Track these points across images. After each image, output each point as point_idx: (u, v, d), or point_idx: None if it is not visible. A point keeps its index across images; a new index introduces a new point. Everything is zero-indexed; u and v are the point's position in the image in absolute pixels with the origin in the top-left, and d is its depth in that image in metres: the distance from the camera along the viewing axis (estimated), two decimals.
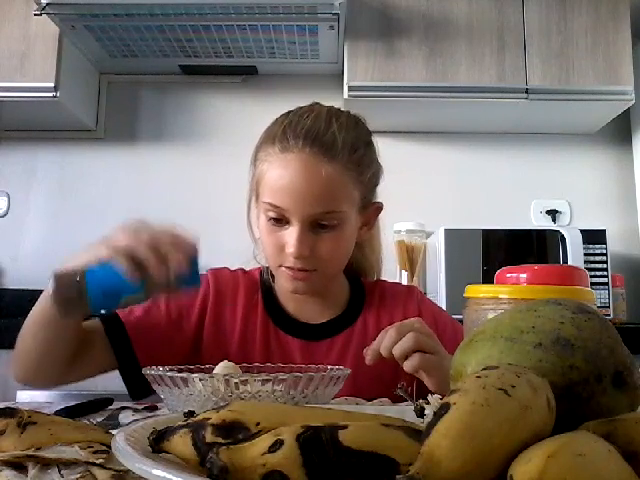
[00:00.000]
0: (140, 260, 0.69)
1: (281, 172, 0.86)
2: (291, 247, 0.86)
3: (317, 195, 0.85)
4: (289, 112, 0.93)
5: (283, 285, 0.93)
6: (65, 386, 0.93)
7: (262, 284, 1.01)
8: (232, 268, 1.04)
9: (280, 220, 0.88)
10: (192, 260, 0.72)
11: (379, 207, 0.99)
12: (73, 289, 0.68)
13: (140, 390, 0.90)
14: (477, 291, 0.62)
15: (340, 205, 0.87)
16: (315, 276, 0.90)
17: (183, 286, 0.74)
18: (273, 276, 1.00)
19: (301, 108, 0.93)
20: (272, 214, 0.88)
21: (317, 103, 0.95)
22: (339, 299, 1.01)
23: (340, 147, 0.86)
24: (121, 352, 0.90)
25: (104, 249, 0.70)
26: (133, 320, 0.91)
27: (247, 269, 1.04)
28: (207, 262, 0.83)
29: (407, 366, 0.75)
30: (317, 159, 0.85)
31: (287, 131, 0.87)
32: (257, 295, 0.99)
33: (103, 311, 0.85)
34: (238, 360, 0.82)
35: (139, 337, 0.90)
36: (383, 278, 1.10)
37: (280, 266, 0.90)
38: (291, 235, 0.86)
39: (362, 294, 1.02)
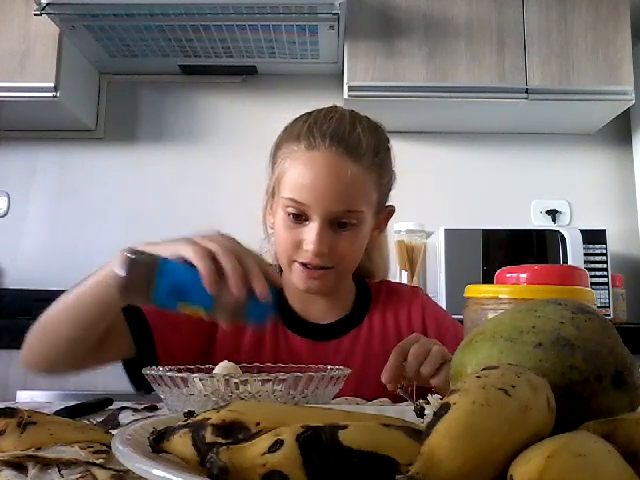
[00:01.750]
0: (220, 271, 0.63)
1: (306, 168, 0.87)
2: (310, 244, 0.86)
3: (340, 194, 0.86)
4: (310, 113, 0.93)
5: (295, 283, 0.92)
6: (65, 385, 0.92)
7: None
8: None
9: (299, 216, 0.87)
10: (272, 294, 0.65)
11: (391, 211, 1.00)
12: (142, 276, 0.62)
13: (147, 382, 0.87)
14: (477, 291, 0.62)
15: (360, 205, 0.88)
16: (330, 275, 0.90)
17: (251, 316, 0.66)
18: (281, 274, 0.99)
19: (322, 109, 0.93)
20: (292, 210, 0.87)
21: (336, 106, 0.95)
22: (346, 300, 1.01)
23: (364, 149, 0.87)
24: (140, 342, 0.86)
25: (188, 248, 0.64)
26: (153, 311, 0.87)
27: None
28: None
29: (436, 382, 0.73)
30: (343, 158, 0.86)
31: (313, 129, 0.87)
32: None
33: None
34: (249, 359, 0.82)
35: (159, 328, 0.87)
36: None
37: (294, 262, 0.90)
38: (310, 232, 0.86)
39: (368, 295, 1.02)
